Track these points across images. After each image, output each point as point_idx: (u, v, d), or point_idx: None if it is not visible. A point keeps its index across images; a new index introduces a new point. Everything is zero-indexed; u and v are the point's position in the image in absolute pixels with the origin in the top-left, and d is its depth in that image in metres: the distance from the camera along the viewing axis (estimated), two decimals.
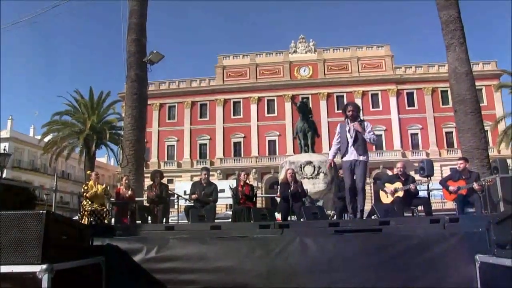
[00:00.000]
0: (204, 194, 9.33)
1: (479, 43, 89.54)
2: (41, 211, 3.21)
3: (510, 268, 2.99)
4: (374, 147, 45.67)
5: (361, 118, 7.56)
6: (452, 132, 45.02)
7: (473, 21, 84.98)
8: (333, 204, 11.69)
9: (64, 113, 39.51)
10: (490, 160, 12.11)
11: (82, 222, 8.63)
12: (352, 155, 7.06)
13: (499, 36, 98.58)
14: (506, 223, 3.33)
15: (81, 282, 3.72)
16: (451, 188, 8.53)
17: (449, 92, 15.75)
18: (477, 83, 14.07)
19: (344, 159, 7.17)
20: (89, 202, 9.27)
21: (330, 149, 7.83)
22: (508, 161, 23.32)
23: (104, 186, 9.76)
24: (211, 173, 41.98)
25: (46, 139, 40.62)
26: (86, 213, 9.05)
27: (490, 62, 49.13)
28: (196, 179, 9.95)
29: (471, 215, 8.14)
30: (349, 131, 7.16)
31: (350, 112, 7.25)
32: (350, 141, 7.10)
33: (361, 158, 7.06)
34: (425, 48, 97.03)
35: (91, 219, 8.90)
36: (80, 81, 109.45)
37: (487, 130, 30.28)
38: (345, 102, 38.12)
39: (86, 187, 9.50)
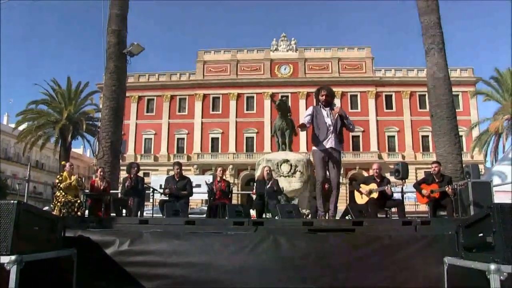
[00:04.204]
0: (177, 189, 9.30)
1: (457, 49, 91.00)
2: (12, 201, 3.16)
3: (476, 271, 3.06)
4: (351, 147, 46.12)
5: (335, 104, 6.80)
6: (428, 136, 45.62)
7: (452, 27, 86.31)
8: (309, 203, 11.77)
9: (40, 102, 39.00)
10: (463, 165, 12.33)
11: (55, 213, 8.51)
12: (329, 142, 6.37)
13: (477, 43, 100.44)
14: (474, 227, 3.40)
15: (52, 274, 3.68)
16: (424, 192, 8.66)
17: (426, 97, 15.96)
18: (454, 89, 14.31)
19: (320, 147, 6.41)
20: (63, 193, 9.13)
21: (310, 141, 6.59)
22: (480, 166, 23.83)
23: (76, 176, 9.60)
24: (188, 167, 41.86)
25: (21, 128, 39.96)
26: (59, 204, 8.92)
27: (467, 69, 49.97)
28: (172, 173, 9.91)
29: (443, 218, 8.30)
30: (328, 115, 6.45)
31: (324, 97, 6.55)
32: (330, 128, 6.39)
33: (339, 147, 6.47)
34: (405, 52, 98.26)
35: (64, 210, 8.78)
36: (58, 70, 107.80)
37: (461, 136, 30.94)
38: None
39: (60, 178, 9.36)
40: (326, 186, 7.01)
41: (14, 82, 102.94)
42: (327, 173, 6.66)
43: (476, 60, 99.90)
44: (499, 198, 10.09)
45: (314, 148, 6.56)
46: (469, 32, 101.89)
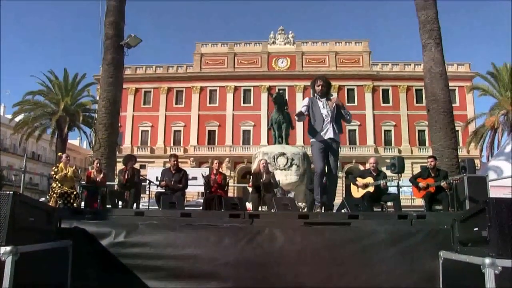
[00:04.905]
0: (173, 181, 9.29)
1: (454, 44, 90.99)
2: (8, 192, 3.15)
3: (470, 265, 3.07)
4: (347, 141, 46.17)
5: (332, 95, 6.67)
6: (424, 131, 45.71)
7: (450, 22, 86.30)
8: (305, 197, 11.79)
9: (37, 93, 38.83)
10: (459, 160, 12.36)
11: (50, 204, 8.49)
12: (327, 133, 6.26)
13: (474, 38, 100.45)
14: (469, 222, 3.41)
15: (47, 266, 3.68)
16: (420, 185, 8.70)
17: (423, 91, 15.97)
18: (450, 84, 14.29)
19: (318, 138, 6.29)
20: (59, 185, 9.12)
21: (306, 134, 6.64)
22: (476, 161, 23.89)
23: (73, 168, 9.58)
24: (184, 160, 41.77)
25: (17, 119, 39.83)
26: (55, 195, 8.91)
27: (464, 64, 49.99)
28: (169, 165, 9.90)
29: (438, 212, 8.34)
30: (324, 106, 6.32)
31: (320, 87, 6.40)
32: (327, 118, 6.27)
33: (337, 138, 6.36)
34: (402, 46, 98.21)
35: (60, 202, 8.77)
36: (55, 61, 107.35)
37: (458, 130, 31.00)
38: None
39: (56, 169, 9.34)
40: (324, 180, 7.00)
41: (11, 73, 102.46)
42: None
43: (473, 55, 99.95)
44: (494, 193, 10.13)
45: (312, 140, 6.43)
46: (467, 27, 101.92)
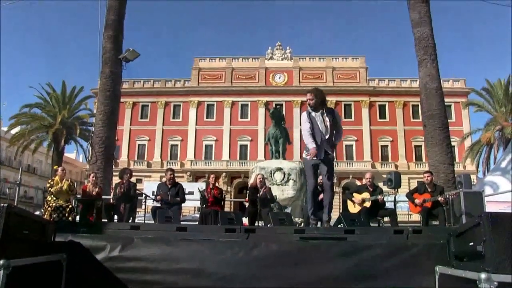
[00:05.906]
0: (170, 195, 9.26)
1: (450, 60, 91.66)
2: (2, 205, 3.14)
3: (467, 280, 3.06)
4: (344, 156, 46.22)
5: (328, 107, 6.43)
6: (421, 146, 45.76)
7: (445, 38, 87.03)
8: (301, 211, 11.77)
9: (34, 106, 38.87)
10: (455, 175, 12.38)
11: (45, 218, 8.43)
12: (323, 152, 6.07)
13: (469, 55, 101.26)
14: (465, 236, 3.41)
15: (41, 279, 3.65)
16: (416, 201, 8.69)
17: (419, 107, 16.04)
18: (446, 100, 14.38)
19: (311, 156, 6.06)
20: (54, 198, 9.07)
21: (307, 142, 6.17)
22: (473, 176, 23.92)
23: (69, 182, 9.50)
24: (181, 174, 41.62)
25: (13, 131, 39.78)
26: (49, 209, 8.85)
27: (459, 80, 50.35)
28: (165, 179, 9.87)
29: (434, 227, 8.32)
30: (321, 122, 6.13)
31: (312, 101, 6.15)
32: (324, 137, 6.10)
33: (331, 155, 6.17)
34: (398, 62, 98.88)
35: (55, 215, 8.71)
36: (53, 74, 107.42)
37: (454, 146, 31.15)
38: None
39: (52, 182, 9.29)
40: (320, 196, 6.97)
41: (7, 85, 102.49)
42: (320, 178, 6.59)
43: (468, 71, 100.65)
44: (491, 208, 10.13)
45: (305, 156, 6.31)
46: (463, 43, 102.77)
